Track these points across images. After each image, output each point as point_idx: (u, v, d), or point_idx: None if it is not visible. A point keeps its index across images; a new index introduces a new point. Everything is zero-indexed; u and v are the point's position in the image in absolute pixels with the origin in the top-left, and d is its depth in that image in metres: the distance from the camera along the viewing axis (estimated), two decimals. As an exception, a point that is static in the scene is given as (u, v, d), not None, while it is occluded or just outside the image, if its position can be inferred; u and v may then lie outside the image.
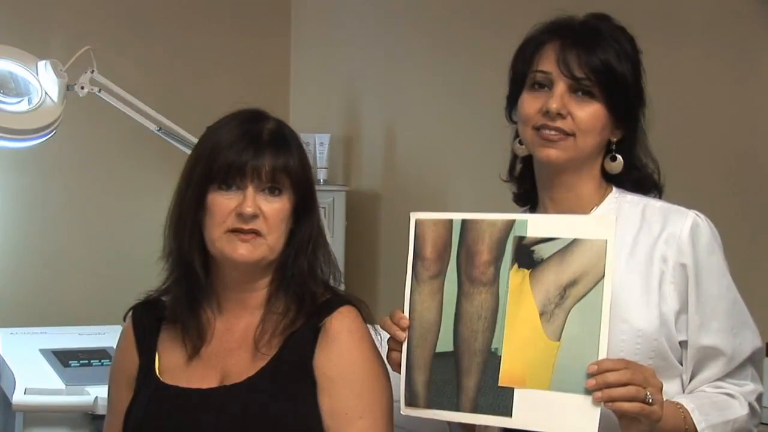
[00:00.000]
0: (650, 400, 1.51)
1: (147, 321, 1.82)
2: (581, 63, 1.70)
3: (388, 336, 1.70)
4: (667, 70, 2.42)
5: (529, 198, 1.85)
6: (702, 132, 2.59)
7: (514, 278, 1.60)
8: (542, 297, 1.58)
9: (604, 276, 1.55)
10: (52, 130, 2.67)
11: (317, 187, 1.83)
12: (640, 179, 1.80)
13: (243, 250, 1.71)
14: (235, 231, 1.71)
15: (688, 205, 1.74)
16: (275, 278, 1.77)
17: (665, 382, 1.58)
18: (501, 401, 1.58)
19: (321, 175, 3.66)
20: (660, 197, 1.80)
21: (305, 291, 1.75)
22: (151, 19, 3.78)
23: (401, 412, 1.67)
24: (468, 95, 3.28)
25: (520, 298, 1.59)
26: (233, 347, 1.76)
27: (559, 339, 1.55)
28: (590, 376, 1.52)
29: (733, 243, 1.82)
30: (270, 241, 1.72)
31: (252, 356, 1.74)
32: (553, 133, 1.71)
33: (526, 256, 1.60)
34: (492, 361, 1.59)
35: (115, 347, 1.89)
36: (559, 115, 1.70)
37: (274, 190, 1.73)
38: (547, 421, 1.56)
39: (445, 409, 1.63)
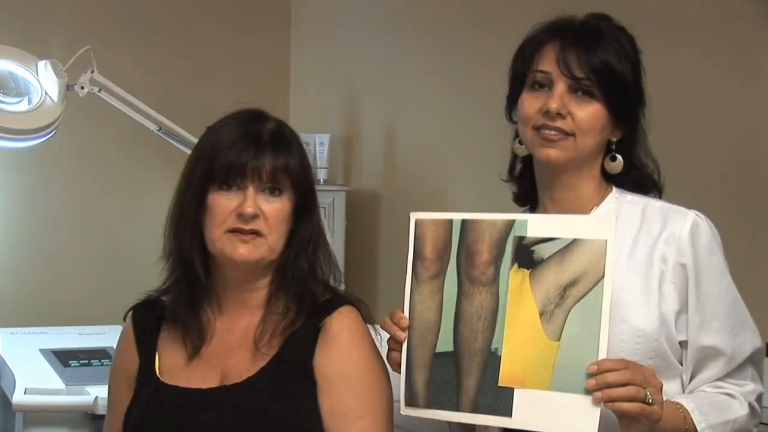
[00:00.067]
0: (650, 400, 1.51)
1: (147, 321, 1.82)
2: (581, 63, 1.70)
3: (388, 336, 1.69)
4: (667, 70, 2.42)
5: (529, 198, 1.85)
6: (702, 132, 2.59)
7: (514, 278, 1.60)
8: (542, 297, 1.58)
9: (604, 276, 1.55)
10: (52, 130, 2.67)
11: (317, 187, 1.83)
12: (640, 179, 1.80)
13: (243, 250, 1.71)
14: (235, 231, 1.71)
15: (688, 205, 1.74)
16: (275, 278, 1.77)
17: (665, 382, 1.58)
18: (501, 401, 1.58)
19: (321, 175, 3.66)
20: (660, 197, 1.80)
21: (305, 291, 1.75)
22: (151, 19, 3.78)
23: (401, 412, 1.67)
24: (468, 95, 3.27)
25: (520, 298, 1.59)
26: (233, 347, 1.76)
27: (559, 339, 1.55)
28: (590, 376, 1.51)
29: (733, 243, 1.82)
30: (270, 242, 1.72)
31: (252, 356, 1.74)
32: (553, 133, 1.71)
33: (526, 256, 1.60)
34: (492, 361, 1.59)
35: (115, 347, 1.89)
36: (559, 115, 1.70)
37: (274, 190, 1.73)
38: (547, 421, 1.55)
39: (445, 409, 1.63)
